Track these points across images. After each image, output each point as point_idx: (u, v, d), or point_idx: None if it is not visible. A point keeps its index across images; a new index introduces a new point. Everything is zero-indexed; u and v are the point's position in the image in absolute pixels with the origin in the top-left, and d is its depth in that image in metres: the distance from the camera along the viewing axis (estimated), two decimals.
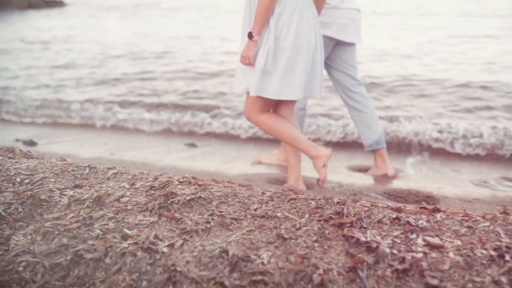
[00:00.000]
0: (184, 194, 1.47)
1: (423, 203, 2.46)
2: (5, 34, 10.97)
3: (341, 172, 3.13)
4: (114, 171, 1.72)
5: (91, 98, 5.09)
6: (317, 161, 2.56)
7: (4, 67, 7.05)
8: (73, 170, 1.72)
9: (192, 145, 3.69)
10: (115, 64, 7.10)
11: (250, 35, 2.39)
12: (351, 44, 3.03)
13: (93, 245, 1.19)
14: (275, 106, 2.60)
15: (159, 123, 4.36)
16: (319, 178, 2.61)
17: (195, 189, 1.52)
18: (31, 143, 3.60)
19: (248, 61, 2.39)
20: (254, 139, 3.87)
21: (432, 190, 2.70)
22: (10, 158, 1.89)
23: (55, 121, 4.54)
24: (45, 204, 1.44)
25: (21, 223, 1.34)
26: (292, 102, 2.60)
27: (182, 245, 1.19)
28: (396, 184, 2.80)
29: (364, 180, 2.90)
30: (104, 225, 1.30)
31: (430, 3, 15.16)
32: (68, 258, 1.16)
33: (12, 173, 1.67)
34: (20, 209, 1.42)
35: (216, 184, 1.59)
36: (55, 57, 7.86)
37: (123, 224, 1.30)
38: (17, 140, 3.81)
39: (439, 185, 2.87)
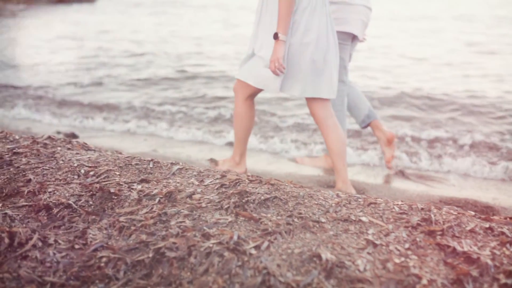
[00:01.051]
0: (259, 193, 1.41)
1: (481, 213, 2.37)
2: (42, 30, 11.10)
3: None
4: (178, 166, 1.67)
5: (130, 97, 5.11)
6: (232, 164, 2.77)
7: (43, 62, 7.13)
8: (136, 164, 1.68)
9: (232, 144, 3.64)
10: (154, 63, 7.10)
11: (276, 36, 2.32)
12: (358, 41, 2.97)
13: (174, 243, 1.14)
14: (309, 105, 2.55)
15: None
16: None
17: (268, 188, 1.46)
18: (73, 136, 3.59)
19: (277, 63, 2.32)
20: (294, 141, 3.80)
21: (487, 200, 2.60)
22: (69, 149, 1.85)
23: (90, 116, 4.52)
24: (115, 197, 1.39)
25: (93, 217, 1.30)
26: (323, 101, 2.55)
27: (268, 247, 1.13)
28: (451, 193, 2.70)
29: (415, 187, 2.82)
30: (181, 222, 1.25)
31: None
32: (150, 255, 1.11)
33: (75, 164, 1.64)
34: (91, 202, 1.38)
35: (287, 185, 1.53)
36: (91, 53, 7.91)
37: (201, 223, 1.24)
38: (58, 132, 3.81)
39: (492, 195, 2.77)
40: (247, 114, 2.67)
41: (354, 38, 2.89)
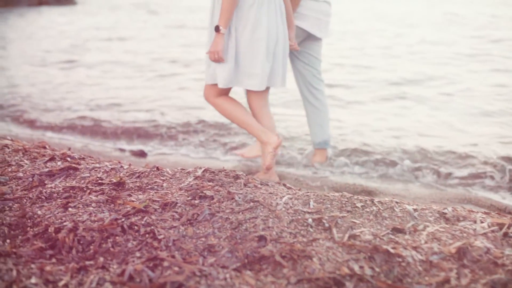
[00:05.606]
0: None
1: None
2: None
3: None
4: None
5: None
6: (266, 147, 2.82)
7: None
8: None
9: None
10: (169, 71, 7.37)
11: (217, 29, 2.60)
12: (319, 39, 3.33)
13: None
14: (248, 95, 2.91)
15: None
16: (264, 163, 2.88)
17: None
18: (142, 154, 3.92)
19: (217, 55, 2.61)
20: None
21: None
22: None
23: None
24: None
25: None
26: (260, 93, 2.87)
27: None
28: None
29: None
30: None
31: None
32: None
33: None
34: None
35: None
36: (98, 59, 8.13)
37: None
38: (121, 149, 4.14)
39: None
40: (229, 103, 2.84)
41: (311, 35, 3.24)
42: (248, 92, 2.94)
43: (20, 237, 1.55)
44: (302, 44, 3.30)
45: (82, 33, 11.20)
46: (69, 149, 2.49)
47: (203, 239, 1.52)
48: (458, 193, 3.30)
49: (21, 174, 2.02)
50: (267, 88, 2.97)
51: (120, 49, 9.13)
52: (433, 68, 6.93)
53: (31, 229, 1.58)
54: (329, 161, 3.68)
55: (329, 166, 3.63)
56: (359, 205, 1.74)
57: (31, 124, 4.97)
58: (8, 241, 1.52)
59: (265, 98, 2.95)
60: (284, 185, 2.10)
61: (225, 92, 2.86)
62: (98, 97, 5.81)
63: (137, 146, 4.22)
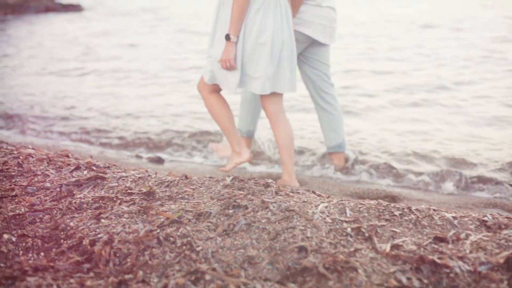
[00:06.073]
0: None
1: None
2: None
3: None
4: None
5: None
6: (235, 157, 2.96)
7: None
8: None
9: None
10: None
11: (227, 37, 2.63)
12: (325, 44, 3.30)
13: None
14: (262, 100, 2.91)
15: None
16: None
17: None
18: (159, 161, 3.90)
19: (229, 63, 2.65)
20: None
21: None
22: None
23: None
24: None
25: None
26: (273, 98, 2.87)
27: None
28: None
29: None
30: None
31: None
32: None
33: None
34: None
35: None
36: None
37: None
38: (138, 156, 4.12)
39: None
40: (219, 103, 2.89)
41: (316, 41, 3.22)
42: (261, 98, 2.94)
43: (54, 249, 1.51)
44: (309, 50, 3.29)
45: (93, 40, 11.23)
46: (91, 156, 2.46)
47: (242, 250, 1.48)
48: (482, 197, 3.25)
49: (48, 184, 1.99)
50: (280, 94, 2.95)
51: (131, 56, 9.13)
52: (449, 71, 6.87)
53: (65, 242, 1.55)
54: (349, 165, 3.63)
55: (348, 172, 3.58)
56: (397, 213, 1.70)
57: (45, 132, 4.96)
58: (42, 254, 1.49)
59: (279, 103, 2.94)
60: (314, 192, 2.06)
61: (219, 89, 2.89)
62: (110, 105, 5.80)
63: (153, 153, 4.19)
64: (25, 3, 17.54)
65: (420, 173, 3.56)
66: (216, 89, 2.89)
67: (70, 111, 5.60)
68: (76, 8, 17.87)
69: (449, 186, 3.40)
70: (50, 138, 4.80)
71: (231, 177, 2.04)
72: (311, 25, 3.16)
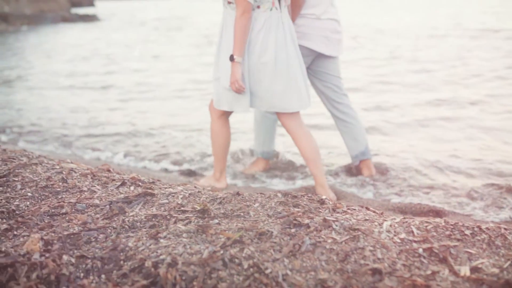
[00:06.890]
0: None
1: None
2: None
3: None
4: None
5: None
6: (212, 180, 3.08)
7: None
8: None
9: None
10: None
11: (231, 58, 2.61)
12: (332, 56, 3.22)
13: None
14: (279, 117, 2.91)
15: None
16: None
17: None
18: (190, 173, 3.85)
19: (237, 84, 2.65)
20: None
21: None
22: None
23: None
24: None
25: None
26: (290, 115, 2.85)
27: None
28: None
29: None
30: None
31: None
32: None
33: None
34: None
35: None
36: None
37: None
38: (166, 170, 4.07)
39: None
40: (221, 131, 2.95)
41: (321, 53, 3.14)
42: (278, 116, 2.93)
43: (115, 271, 1.45)
44: (315, 63, 3.23)
45: (112, 50, 11.27)
46: (131, 172, 2.41)
47: (313, 273, 1.41)
48: None
49: (97, 201, 1.94)
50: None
51: (154, 69, 9.13)
52: (470, 85, 6.76)
53: (125, 263, 1.49)
54: (383, 179, 3.55)
55: (389, 186, 3.49)
56: (467, 232, 1.62)
57: (70, 144, 4.93)
58: (103, 276, 1.43)
59: (297, 119, 2.92)
60: (367, 208, 1.98)
61: (229, 114, 2.95)
62: (134, 117, 5.77)
63: (182, 166, 4.14)
64: (42, 14, 17.69)
65: (449, 186, 3.47)
66: (225, 114, 2.93)
67: (91, 122, 5.59)
68: (92, 18, 17.97)
69: (488, 200, 3.29)
70: (75, 153, 4.76)
71: (283, 193, 1.97)
72: (312, 37, 3.11)
